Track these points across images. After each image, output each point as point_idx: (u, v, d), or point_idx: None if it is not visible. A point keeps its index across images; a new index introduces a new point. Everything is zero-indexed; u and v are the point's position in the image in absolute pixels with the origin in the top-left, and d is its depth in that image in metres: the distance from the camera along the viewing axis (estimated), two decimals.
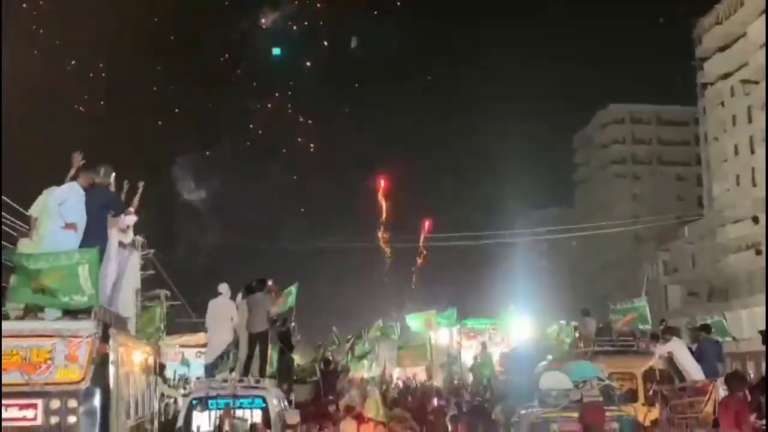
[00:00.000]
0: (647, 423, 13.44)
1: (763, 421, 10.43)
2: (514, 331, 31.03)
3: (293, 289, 20.22)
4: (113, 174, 12.48)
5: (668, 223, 72.54)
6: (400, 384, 28.72)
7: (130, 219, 13.44)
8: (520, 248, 68.61)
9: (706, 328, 16.24)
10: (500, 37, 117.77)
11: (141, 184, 13.59)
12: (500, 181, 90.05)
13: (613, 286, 78.89)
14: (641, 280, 54.90)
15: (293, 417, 13.66)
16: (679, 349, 14.03)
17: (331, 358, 22.40)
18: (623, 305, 20.03)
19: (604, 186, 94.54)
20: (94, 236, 11.21)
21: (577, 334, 21.18)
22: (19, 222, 21.96)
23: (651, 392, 14.81)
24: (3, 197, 22.37)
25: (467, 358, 29.10)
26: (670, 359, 14.12)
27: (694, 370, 13.67)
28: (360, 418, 14.75)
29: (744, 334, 38.48)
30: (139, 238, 18.71)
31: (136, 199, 13.43)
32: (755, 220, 62.57)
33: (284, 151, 68.86)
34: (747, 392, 11.09)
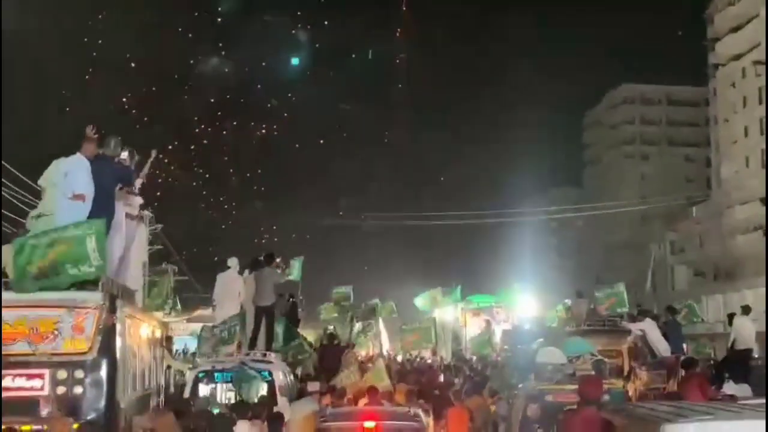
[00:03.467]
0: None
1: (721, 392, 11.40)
2: (518, 309, 31.26)
3: (297, 262, 20.28)
4: (121, 148, 12.56)
5: (676, 204, 72.51)
6: (400, 360, 28.92)
7: (136, 200, 13.54)
8: (527, 227, 68.60)
9: (671, 310, 18.17)
10: (509, 13, 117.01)
11: (153, 153, 13.68)
12: (507, 160, 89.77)
13: (620, 266, 78.94)
14: (648, 261, 55.18)
15: (314, 386, 13.96)
16: (650, 328, 15.51)
17: (335, 333, 22.55)
18: (605, 290, 20.88)
19: (613, 166, 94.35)
20: (102, 208, 11.22)
21: (570, 314, 21.83)
22: (28, 195, 22.24)
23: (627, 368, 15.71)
24: (11, 169, 22.55)
25: (472, 334, 29.31)
26: (643, 337, 15.32)
27: (662, 348, 14.93)
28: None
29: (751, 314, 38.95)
30: (147, 213, 18.87)
31: (146, 168, 13.53)
32: (763, 201, 62.45)
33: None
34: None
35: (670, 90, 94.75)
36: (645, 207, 73.26)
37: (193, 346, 23.77)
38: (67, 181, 11.08)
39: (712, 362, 21.91)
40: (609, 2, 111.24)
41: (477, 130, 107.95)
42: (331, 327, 23.55)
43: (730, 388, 11.82)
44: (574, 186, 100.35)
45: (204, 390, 13.63)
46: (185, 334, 26.19)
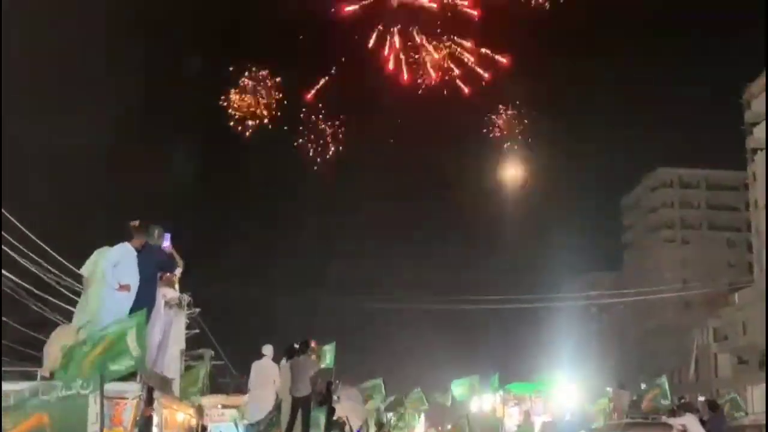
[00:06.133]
0: None
1: None
2: (557, 398, 30.66)
3: (329, 348, 20.07)
4: (166, 234, 12.68)
5: (718, 290, 71.33)
6: None
7: (175, 289, 13.52)
8: (566, 312, 67.87)
9: (713, 405, 18.46)
10: (550, 91, 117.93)
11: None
12: (547, 243, 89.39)
13: (662, 353, 77.51)
14: (690, 347, 54.16)
15: None
16: (692, 423, 15.55)
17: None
18: (647, 382, 20.94)
19: (653, 250, 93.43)
20: (145, 297, 11.27)
21: (611, 405, 21.58)
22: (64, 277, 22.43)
23: None
24: (63, 260, 22.79)
25: (510, 426, 28.70)
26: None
27: None
28: None
29: None
30: (185, 297, 18.87)
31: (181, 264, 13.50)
32: None
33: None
34: None
35: (708, 174, 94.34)
36: (686, 293, 72.17)
37: None
38: (115, 272, 11.14)
39: None
40: (645, 85, 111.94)
41: (515, 213, 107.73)
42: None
43: None
44: (613, 270, 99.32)
45: None
46: (220, 421, 25.88)
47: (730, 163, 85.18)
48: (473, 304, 52.51)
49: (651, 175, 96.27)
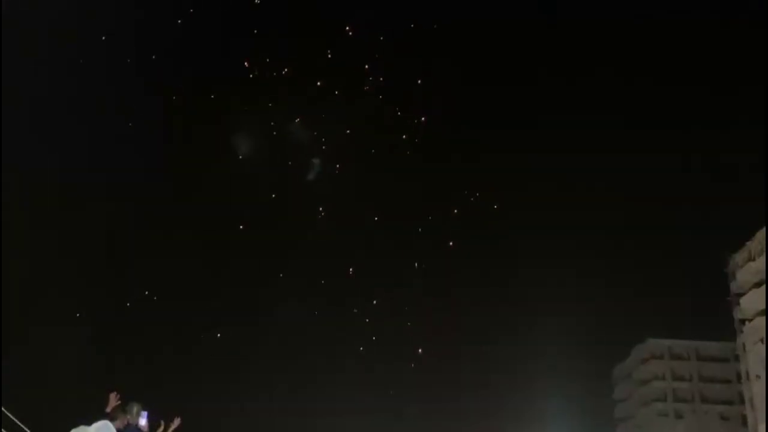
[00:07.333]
0: None
1: None
2: None
3: None
4: (144, 413, 12.51)
5: None
6: None
7: None
8: None
9: None
10: (538, 261, 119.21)
11: (177, 421, 13.45)
12: (537, 417, 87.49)
13: None
14: None
15: None
16: None
17: None
18: None
19: (647, 424, 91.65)
20: None
21: None
22: None
23: None
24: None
25: None
26: None
27: None
28: None
29: None
30: None
31: None
32: None
33: None
34: None
35: (698, 345, 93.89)
36: None
37: None
38: None
39: None
40: (633, 255, 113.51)
41: (501, 393, 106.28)
42: None
43: None
44: None
45: None
46: None
47: (718, 335, 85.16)
48: None
49: (641, 346, 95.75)
